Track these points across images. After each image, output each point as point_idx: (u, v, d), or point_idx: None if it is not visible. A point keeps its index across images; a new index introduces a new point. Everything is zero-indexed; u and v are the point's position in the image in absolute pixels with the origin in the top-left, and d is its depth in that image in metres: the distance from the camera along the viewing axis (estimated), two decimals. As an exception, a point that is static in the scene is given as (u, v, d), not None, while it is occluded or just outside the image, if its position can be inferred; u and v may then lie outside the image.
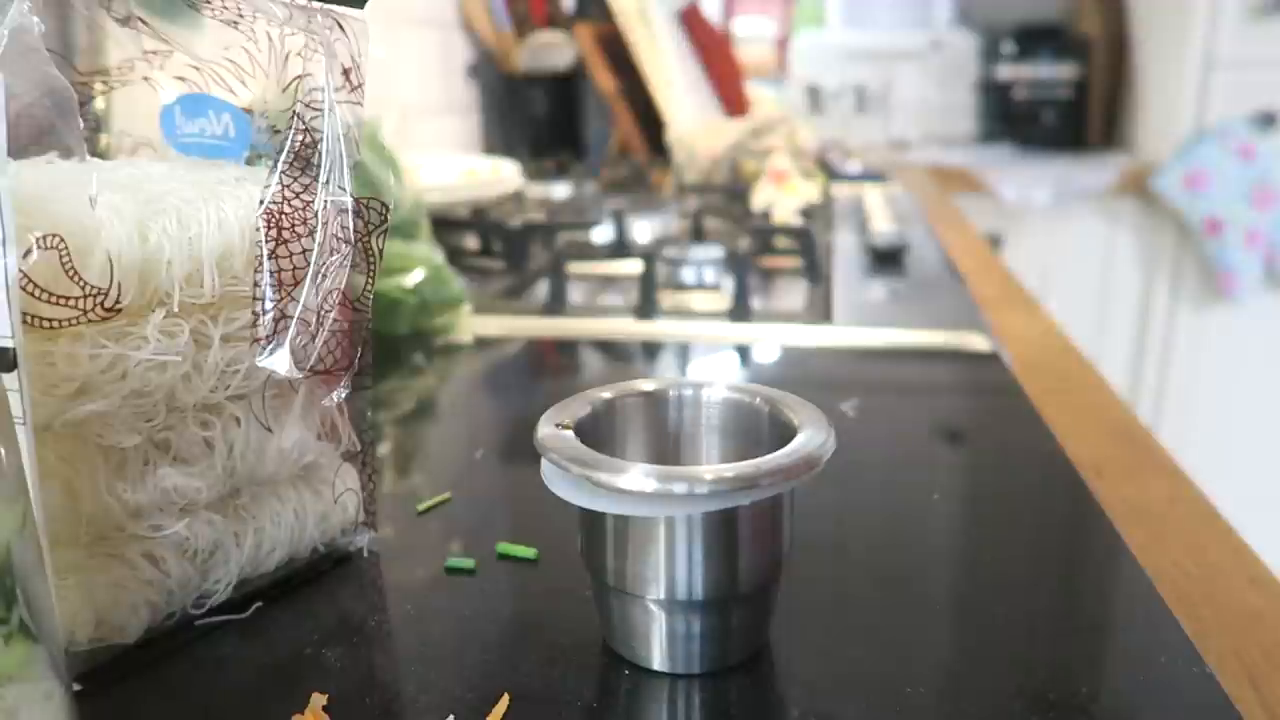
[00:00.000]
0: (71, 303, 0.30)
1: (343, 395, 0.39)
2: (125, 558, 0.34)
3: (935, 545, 0.44)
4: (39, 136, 0.35)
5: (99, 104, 0.39)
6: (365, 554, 0.41)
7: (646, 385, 0.38)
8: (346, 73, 0.37)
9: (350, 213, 0.37)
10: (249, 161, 0.39)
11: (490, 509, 0.47)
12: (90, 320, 0.31)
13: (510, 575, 0.40)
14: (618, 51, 1.62)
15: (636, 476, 0.30)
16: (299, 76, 0.36)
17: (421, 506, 0.46)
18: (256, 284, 0.35)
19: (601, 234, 1.07)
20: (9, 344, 0.28)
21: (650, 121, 1.63)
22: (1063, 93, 2.34)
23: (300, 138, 0.36)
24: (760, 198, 1.20)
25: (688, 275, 0.94)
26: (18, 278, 0.28)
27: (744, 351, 0.73)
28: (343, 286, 0.37)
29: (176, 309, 0.33)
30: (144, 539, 0.34)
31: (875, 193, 1.42)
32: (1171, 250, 2.12)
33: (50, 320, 0.30)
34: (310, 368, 0.37)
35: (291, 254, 0.35)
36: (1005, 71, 2.37)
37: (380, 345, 0.41)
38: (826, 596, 0.39)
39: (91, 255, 0.31)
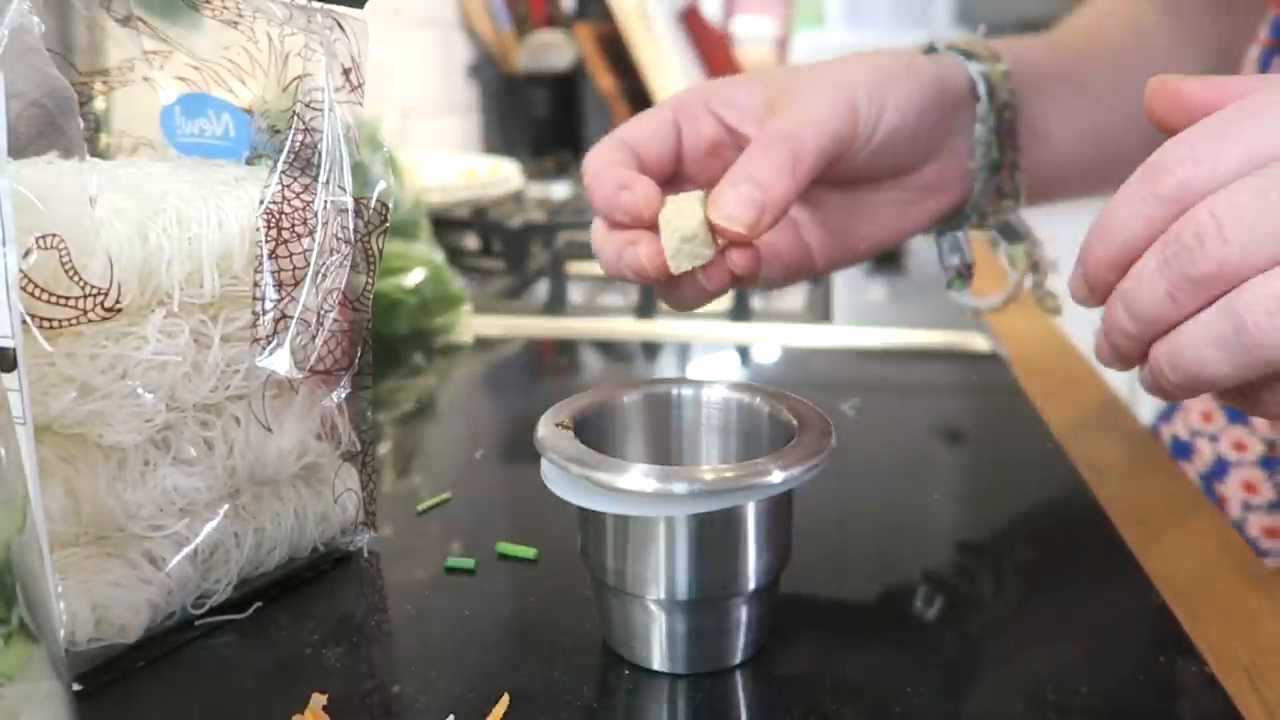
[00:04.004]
0: (71, 303, 0.30)
1: (343, 395, 0.39)
2: (125, 557, 0.34)
3: (935, 545, 0.44)
4: (39, 136, 0.35)
5: (99, 104, 0.39)
6: (365, 554, 0.41)
7: (646, 385, 0.38)
8: (346, 73, 0.37)
9: (350, 213, 0.37)
10: (249, 161, 0.39)
11: (490, 509, 0.47)
12: (90, 320, 0.31)
13: (510, 575, 0.40)
14: (618, 51, 1.62)
15: (636, 476, 0.30)
16: (299, 76, 0.36)
17: (421, 506, 0.46)
18: (256, 284, 0.35)
19: (601, 234, 1.07)
20: (9, 344, 0.28)
21: (650, 121, 1.63)
22: (1063, 92, 2.34)
23: (300, 138, 0.36)
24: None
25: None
26: (18, 278, 0.28)
27: (744, 351, 0.73)
28: (343, 286, 0.37)
29: (176, 309, 0.33)
30: (144, 539, 0.34)
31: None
32: (1171, 250, 2.11)
33: (50, 320, 0.30)
34: (310, 368, 0.37)
35: (291, 254, 0.35)
36: (1005, 71, 2.36)
37: (380, 345, 0.41)
38: (826, 596, 0.39)
39: (91, 255, 0.31)
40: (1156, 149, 0.30)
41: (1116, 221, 0.30)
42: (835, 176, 0.43)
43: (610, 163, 0.40)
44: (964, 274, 0.49)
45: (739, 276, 0.40)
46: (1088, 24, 0.57)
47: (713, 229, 0.38)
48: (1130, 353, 0.30)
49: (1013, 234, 0.49)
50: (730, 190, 0.37)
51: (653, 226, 0.39)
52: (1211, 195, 0.27)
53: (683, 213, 0.38)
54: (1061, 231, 0.52)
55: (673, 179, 0.43)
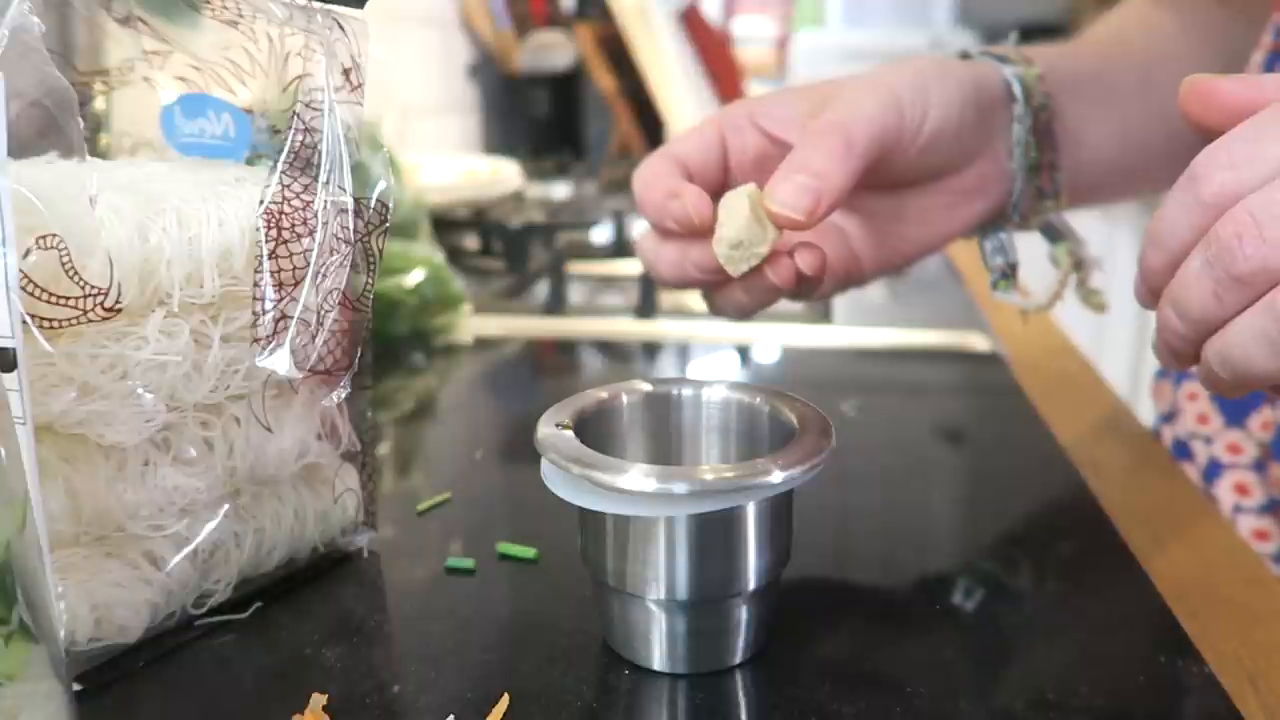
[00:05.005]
0: (71, 303, 0.30)
1: (343, 395, 0.39)
2: (125, 558, 0.34)
3: (935, 545, 0.44)
4: (39, 136, 0.35)
5: (99, 104, 0.39)
6: (365, 554, 0.41)
7: (646, 385, 0.38)
8: (346, 73, 0.37)
9: (350, 213, 0.37)
10: (249, 161, 0.39)
11: (490, 509, 0.47)
12: (90, 320, 0.31)
13: (510, 575, 0.40)
14: (618, 51, 1.62)
15: (636, 476, 0.30)
16: (299, 76, 0.36)
17: (421, 506, 0.46)
18: (256, 284, 0.35)
19: (601, 234, 1.07)
20: (9, 344, 0.28)
21: (650, 121, 1.63)
22: (1063, 93, 2.34)
23: (300, 138, 0.36)
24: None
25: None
26: (18, 278, 0.28)
27: (744, 351, 0.73)
28: (343, 286, 0.37)
29: (176, 309, 0.33)
30: (144, 539, 0.34)
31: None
32: (1171, 250, 2.11)
33: (50, 320, 0.30)
34: (310, 368, 0.37)
35: (291, 254, 0.35)
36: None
37: (380, 345, 0.41)
38: (827, 596, 0.39)
39: (91, 255, 0.31)
40: (1182, 149, 0.30)
41: (1164, 228, 0.30)
42: (882, 180, 0.44)
43: (659, 174, 0.41)
44: (1009, 274, 0.49)
45: (806, 276, 0.40)
46: (1109, 31, 0.58)
47: (770, 218, 0.38)
48: (1184, 353, 0.31)
49: (1054, 233, 0.50)
50: (785, 181, 0.38)
51: (704, 233, 0.39)
52: (1249, 196, 0.28)
53: (733, 213, 0.38)
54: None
55: (721, 191, 0.44)
